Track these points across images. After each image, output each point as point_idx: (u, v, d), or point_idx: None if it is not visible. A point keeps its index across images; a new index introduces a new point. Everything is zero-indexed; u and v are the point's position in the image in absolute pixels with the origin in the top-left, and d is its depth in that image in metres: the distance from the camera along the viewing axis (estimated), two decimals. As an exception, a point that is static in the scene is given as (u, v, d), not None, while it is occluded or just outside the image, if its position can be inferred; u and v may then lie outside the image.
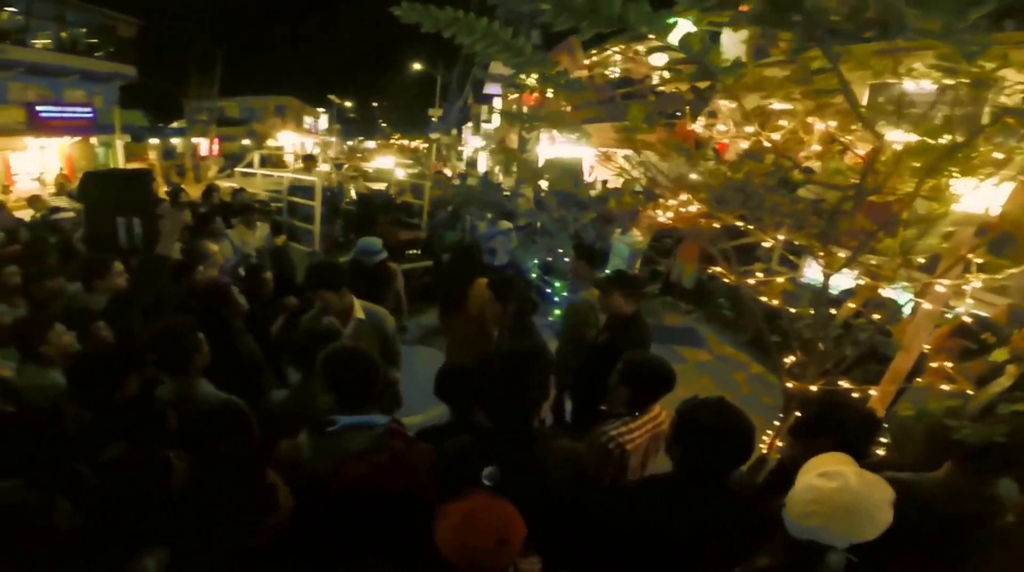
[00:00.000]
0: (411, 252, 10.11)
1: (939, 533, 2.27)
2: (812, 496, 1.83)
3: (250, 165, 13.77)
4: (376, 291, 5.42)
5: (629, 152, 3.63)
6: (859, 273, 3.23)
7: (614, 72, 20.46)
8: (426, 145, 48.33)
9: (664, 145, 3.11)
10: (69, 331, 3.67)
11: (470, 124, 39.99)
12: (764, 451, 3.49)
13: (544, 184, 4.82)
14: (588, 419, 3.32)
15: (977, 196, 2.75)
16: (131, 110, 30.22)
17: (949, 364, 3.52)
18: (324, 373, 2.66)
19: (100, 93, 31.32)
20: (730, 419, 2.34)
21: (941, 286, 3.10)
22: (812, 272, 5.64)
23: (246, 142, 39.77)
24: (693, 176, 3.36)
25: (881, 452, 3.25)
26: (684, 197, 3.22)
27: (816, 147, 2.97)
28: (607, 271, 6.81)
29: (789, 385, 3.40)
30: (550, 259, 9.60)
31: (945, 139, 2.32)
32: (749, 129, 3.17)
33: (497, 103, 32.81)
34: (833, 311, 3.47)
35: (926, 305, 3.37)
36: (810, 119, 2.85)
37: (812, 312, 3.38)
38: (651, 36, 2.18)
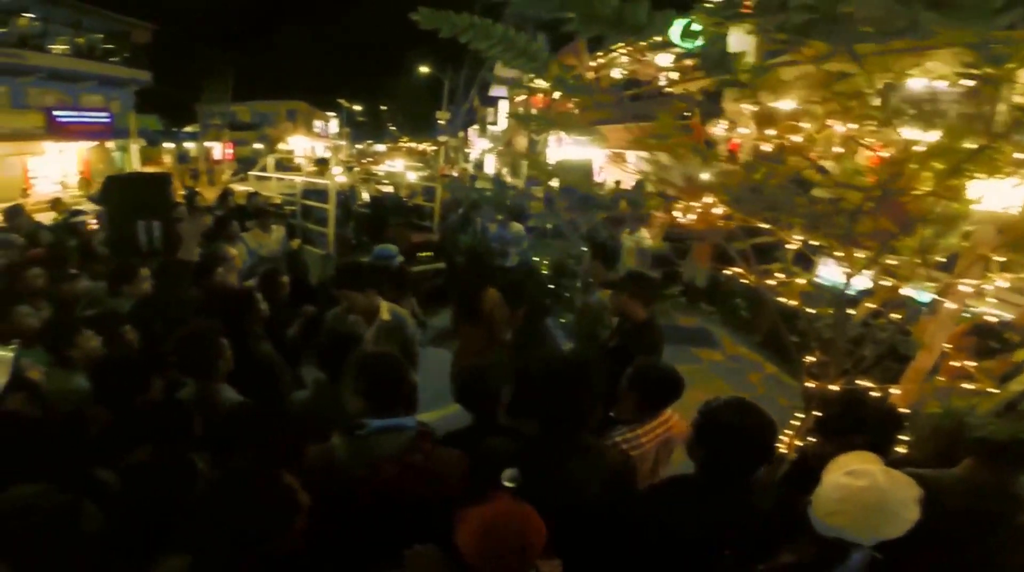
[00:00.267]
0: (423, 254, 10.14)
1: (958, 529, 2.28)
2: (839, 494, 1.83)
3: (264, 169, 13.84)
4: (396, 294, 5.47)
5: (641, 153, 3.65)
6: (876, 272, 3.23)
7: (620, 73, 20.40)
8: (434, 148, 48.46)
9: (683, 147, 3.11)
10: (96, 335, 3.71)
11: (476, 126, 40.01)
12: (783, 451, 3.49)
13: (555, 183, 4.80)
14: (598, 425, 3.33)
15: (996, 194, 2.75)
16: (146, 115, 30.49)
17: (971, 363, 3.51)
18: (355, 378, 2.65)
19: (116, 98, 31.65)
20: (752, 419, 2.33)
21: (966, 286, 3.09)
22: (827, 271, 5.63)
23: (258, 146, 40.00)
24: (704, 176, 3.38)
25: (902, 449, 3.25)
26: (709, 198, 3.22)
27: (838, 149, 2.98)
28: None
29: (809, 385, 3.40)
30: (563, 260, 9.59)
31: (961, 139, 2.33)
32: (758, 131, 3.18)
33: (503, 105, 32.84)
34: (851, 311, 3.47)
35: (948, 304, 3.36)
36: (830, 121, 2.86)
37: (831, 312, 3.39)
38: (667, 40, 2.20)
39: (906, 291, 3.38)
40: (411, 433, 2.52)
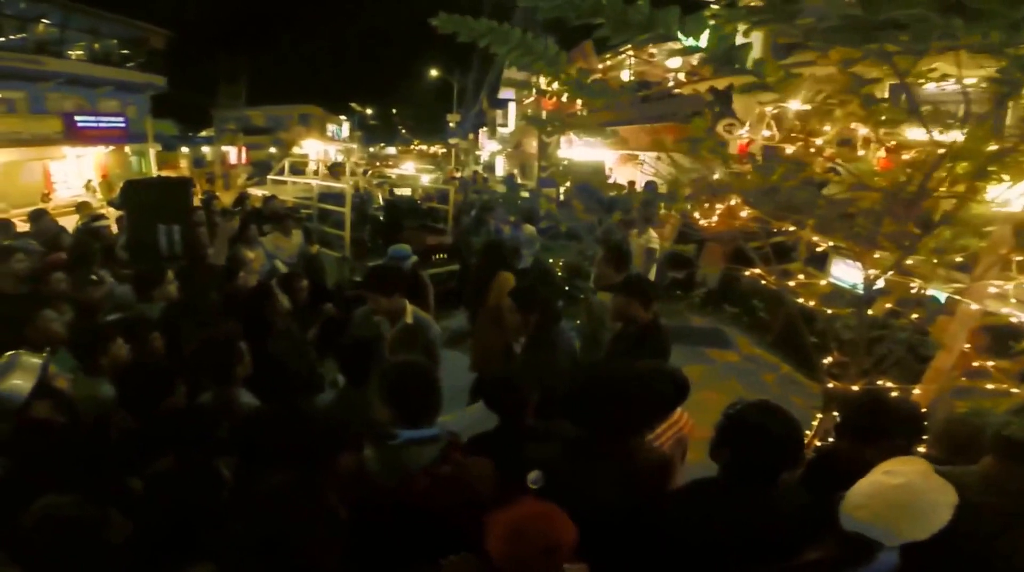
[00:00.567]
0: (438, 257, 10.20)
1: (980, 525, 2.28)
2: (870, 490, 1.84)
3: (281, 172, 13.95)
4: (413, 296, 5.54)
5: (653, 153, 3.67)
6: (893, 272, 3.23)
7: (628, 75, 20.44)
8: (444, 150, 48.58)
9: (702, 148, 3.13)
10: (125, 343, 3.70)
11: (486, 128, 40.14)
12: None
13: (568, 183, 4.82)
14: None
15: (1015, 195, 2.75)
16: (162, 120, 30.77)
17: (991, 362, 3.51)
18: (384, 388, 2.58)
19: (133, 103, 31.99)
20: (780, 421, 2.31)
21: (993, 287, 3.08)
22: (840, 271, 5.63)
23: (272, 150, 40.26)
24: (716, 176, 3.39)
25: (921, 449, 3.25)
26: (733, 201, 3.24)
27: (862, 152, 2.99)
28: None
29: (830, 385, 3.40)
30: (578, 261, 9.61)
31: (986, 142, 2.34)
32: (779, 132, 3.19)
33: (512, 107, 32.94)
34: (869, 311, 3.48)
35: (968, 305, 3.36)
36: (854, 125, 2.87)
37: (848, 312, 3.39)
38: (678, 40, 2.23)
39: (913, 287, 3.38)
40: (441, 444, 2.48)
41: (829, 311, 3.61)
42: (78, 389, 3.46)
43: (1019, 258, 2.85)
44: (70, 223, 9.52)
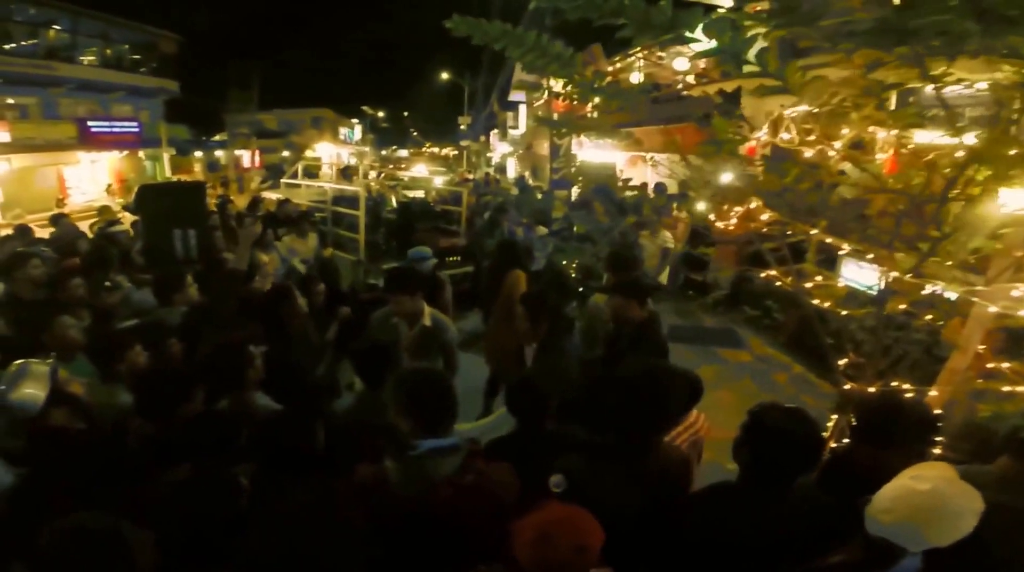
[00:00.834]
0: (451, 258, 10.23)
1: (994, 524, 2.26)
2: (897, 495, 1.83)
3: (295, 176, 14.04)
4: (432, 297, 5.56)
5: (665, 155, 3.66)
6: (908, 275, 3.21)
7: (638, 77, 20.44)
8: (456, 152, 48.69)
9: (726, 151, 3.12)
10: (144, 349, 3.72)
11: (497, 130, 40.21)
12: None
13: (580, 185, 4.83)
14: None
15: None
16: (175, 124, 30.97)
17: (1006, 364, 3.48)
18: (403, 398, 2.53)
19: (146, 108, 32.22)
20: (800, 423, 2.31)
21: (1017, 291, 3.06)
22: (851, 273, 5.61)
23: (285, 154, 40.45)
24: (727, 177, 3.38)
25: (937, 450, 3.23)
26: (754, 204, 3.23)
27: (882, 155, 2.98)
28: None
29: (846, 387, 3.39)
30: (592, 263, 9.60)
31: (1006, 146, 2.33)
32: (797, 135, 3.18)
33: (522, 110, 32.98)
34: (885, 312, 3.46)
35: (982, 306, 3.34)
36: (872, 128, 2.86)
37: (863, 313, 3.37)
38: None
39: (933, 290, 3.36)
40: (463, 452, 2.46)
41: (844, 313, 3.59)
42: (95, 395, 3.46)
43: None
44: (86, 227, 9.62)
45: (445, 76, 45.07)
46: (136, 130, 28.73)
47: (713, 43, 2.22)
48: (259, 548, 2.00)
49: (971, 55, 2.16)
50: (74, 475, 2.46)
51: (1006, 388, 3.32)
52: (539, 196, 14.05)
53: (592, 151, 19.88)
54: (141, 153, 30.26)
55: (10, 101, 25.50)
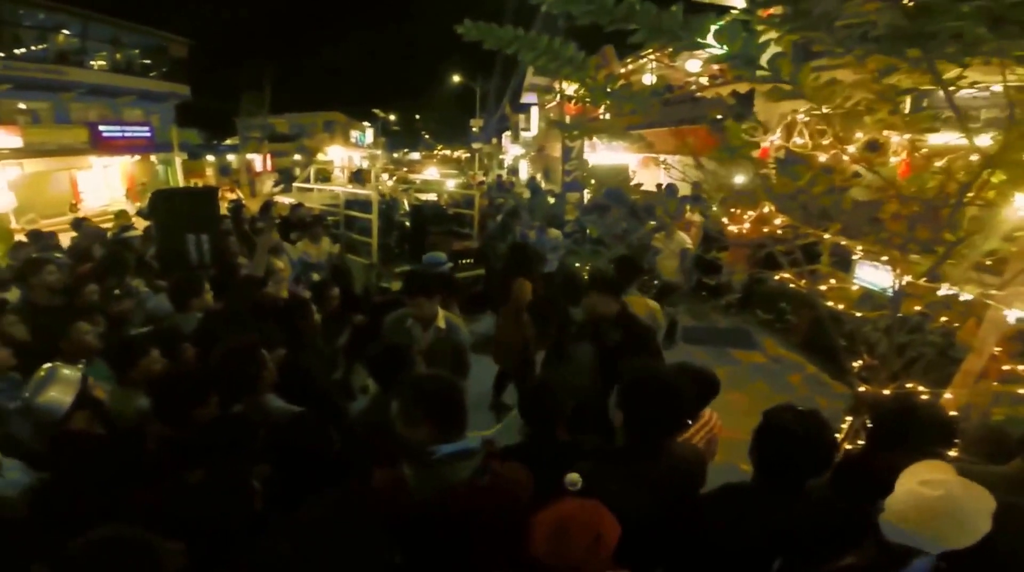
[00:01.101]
0: (464, 261, 10.26)
1: (1000, 523, 2.25)
2: (914, 502, 1.83)
3: (307, 180, 14.11)
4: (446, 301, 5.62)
5: (677, 157, 3.65)
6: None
7: (651, 78, 20.42)
8: (468, 155, 48.76)
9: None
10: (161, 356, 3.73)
11: (509, 132, 40.24)
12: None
13: (587, 191, 4.83)
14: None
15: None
16: (186, 128, 31.13)
17: (1022, 366, 3.46)
18: (416, 406, 2.48)
19: (157, 112, 32.41)
20: (811, 425, 2.32)
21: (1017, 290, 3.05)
22: (865, 274, 5.58)
23: (297, 157, 40.62)
24: (739, 179, 3.37)
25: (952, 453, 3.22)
26: (767, 208, 3.23)
27: (896, 159, 2.97)
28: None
29: (861, 389, 3.38)
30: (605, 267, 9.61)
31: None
32: (812, 139, 3.18)
33: (534, 112, 33.00)
34: (900, 314, 3.45)
35: (1002, 310, 3.32)
36: (887, 132, 2.85)
37: (877, 315, 3.36)
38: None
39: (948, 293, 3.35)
40: (480, 456, 2.45)
41: (858, 314, 3.58)
42: (115, 400, 3.51)
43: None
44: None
45: (457, 79, 45.17)
46: (148, 134, 28.94)
47: (725, 48, 2.23)
48: (284, 552, 2.01)
49: (984, 59, 2.15)
50: (94, 478, 2.49)
51: (1022, 390, 3.30)
52: (551, 200, 14.05)
53: (605, 153, 19.86)
54: (153, 157, 30.45)
55: (22, 106, 25.58)
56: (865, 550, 1.99)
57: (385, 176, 22.21)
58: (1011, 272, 3.08)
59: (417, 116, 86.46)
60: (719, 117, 3.42)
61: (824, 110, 2.81)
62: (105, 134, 26.75)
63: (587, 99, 3.34)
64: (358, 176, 17.55)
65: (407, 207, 15.33)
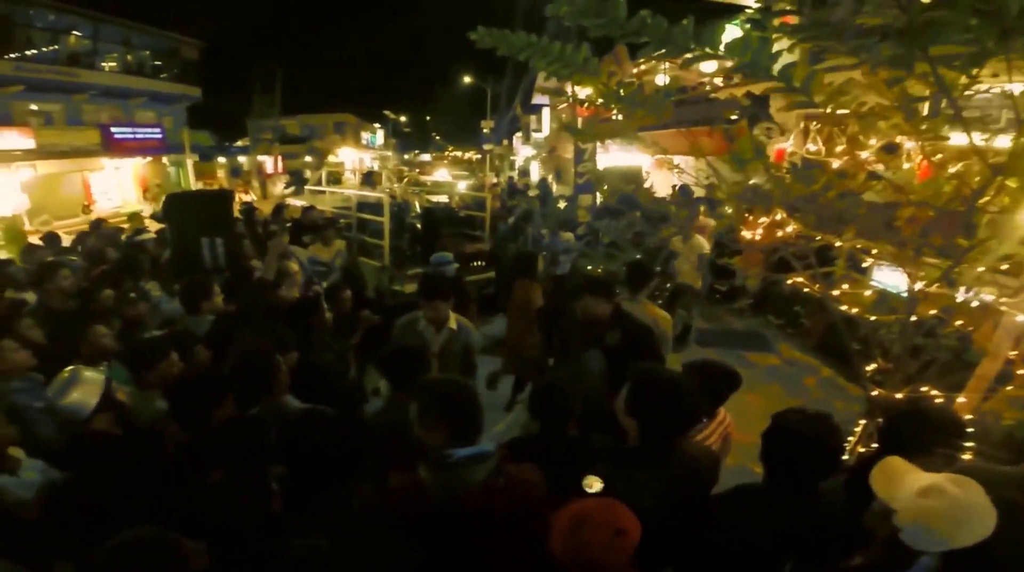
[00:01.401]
0: (476, 263, 10.27)
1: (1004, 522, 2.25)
2: (920, 512, 1.84)
3: (319, 183, 14.15)
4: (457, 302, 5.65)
5: (690, 159, 3.65)
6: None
7: (663, 80, 20.35)
8: (479, 156, 48.80)
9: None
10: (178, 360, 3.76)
11: (520, 134, 40.23)
12: (844, 457, 3.47)
13: (605, 189, 4.81)
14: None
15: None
16: (198, 130, 31.24)
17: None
18: (436, 409, 2.51)
19: (168, 114, 32.51)
20: (818, 427, 2.35)
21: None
22: (883, 276, 5.56)
23: (308, 159, 40.76)
24: (754, 181, 3.37)
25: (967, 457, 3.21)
26: (780, 215, 3.23)
27: (908, 164, 2.97)
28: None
29: (875, 393, 3.38)
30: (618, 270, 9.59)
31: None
32: (824, 146, 3.17)
33: (546, 113, 32.96)
34: (914, 318, 3.44)
35: (1017, 315, 3.31)
36: (899, 138, 2.85)
37: (892, 319, 3.36)
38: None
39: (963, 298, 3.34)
40: (496, 457, 2.45)
41: (873, 318, 3.57)
42: (135, 402, 3.54)
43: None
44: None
45: (468, 80, 45.19)
46: (159, 136, 29.05)
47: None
48: (295, 551, 2.03)
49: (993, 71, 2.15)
50: (114, 478, 2.52)
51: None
52: (562, 205, 14.01)
53: (618, 154, 19.80)
54: (165, 159, 30.58)
55: (34, 107, 25.60)
56: (873, 549, 2.00)
57: (395, 177, 22.20)
58: (1025, 276, 3.07)
59: (428, 117, 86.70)
60: (734, 118, 3.41)
61: (839, 112, 2.82)
62: (117, 136, 26.85)
63: (599, 103, 3.34)
64: (369, 179, 17.56)
65: (418, 209, 15.35)
